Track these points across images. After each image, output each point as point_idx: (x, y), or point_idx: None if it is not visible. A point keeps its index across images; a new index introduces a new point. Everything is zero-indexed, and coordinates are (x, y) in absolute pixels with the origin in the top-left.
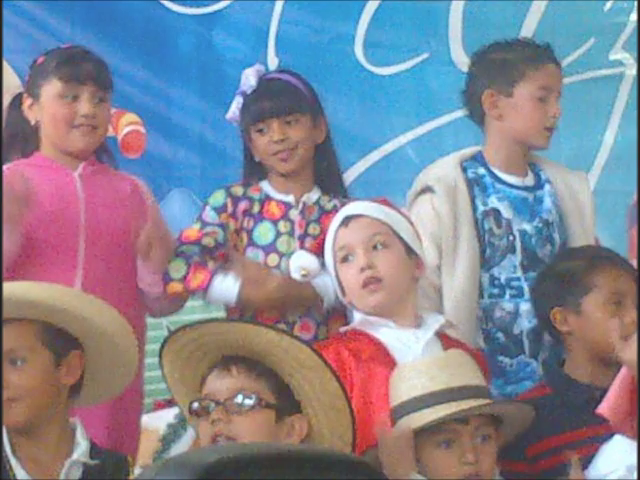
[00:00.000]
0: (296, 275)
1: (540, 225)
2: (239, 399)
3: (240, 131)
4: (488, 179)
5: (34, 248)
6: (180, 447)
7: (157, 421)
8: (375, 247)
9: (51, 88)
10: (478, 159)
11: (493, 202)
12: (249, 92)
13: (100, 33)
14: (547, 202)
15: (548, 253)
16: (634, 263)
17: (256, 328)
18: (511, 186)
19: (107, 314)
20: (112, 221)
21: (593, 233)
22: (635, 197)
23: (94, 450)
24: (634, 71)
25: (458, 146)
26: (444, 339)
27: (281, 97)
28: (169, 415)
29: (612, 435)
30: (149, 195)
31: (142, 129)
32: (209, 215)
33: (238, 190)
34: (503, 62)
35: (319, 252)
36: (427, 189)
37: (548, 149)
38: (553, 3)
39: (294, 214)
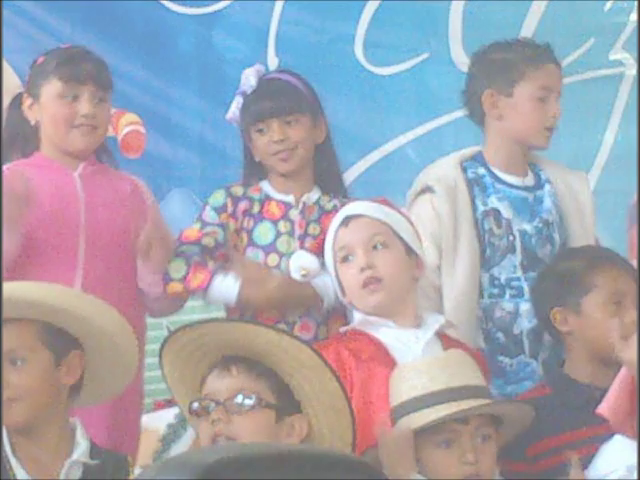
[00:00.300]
0: (296, 275)
1: (540, 225)
2: (239, 399)
3: (240, 131)
4: (488, 179)
5: (34, 248)
6: (180, 447)
7: (157, 421)
8: (375, 247)
9: (51, 88)
10: (478, 159)
11: (493, 202)
12: (249, 92)
13: (100, 33)
14: (547, 202)
15: (548, 253)
16: (634, 263)
17: (256, 328)
18: (511, 186)
19: (107, 314)
20: (112, 221)
21: (593, 233)
22: (635, 197)
23: (94, 450)
24: (634, 71)
25: (458, 146)
26: (444, 339)
27: (281, 97)
28: (169, 415)
29: (612, 435)
30: (149, 195)
31: (142, 129)
32: (209, 215)
33: (238, 190)
34: (503, 62)
35: (319, 252)
36: (427, 189)
37: (548, 149)
38: (553, 3)
39: (294, 214)
